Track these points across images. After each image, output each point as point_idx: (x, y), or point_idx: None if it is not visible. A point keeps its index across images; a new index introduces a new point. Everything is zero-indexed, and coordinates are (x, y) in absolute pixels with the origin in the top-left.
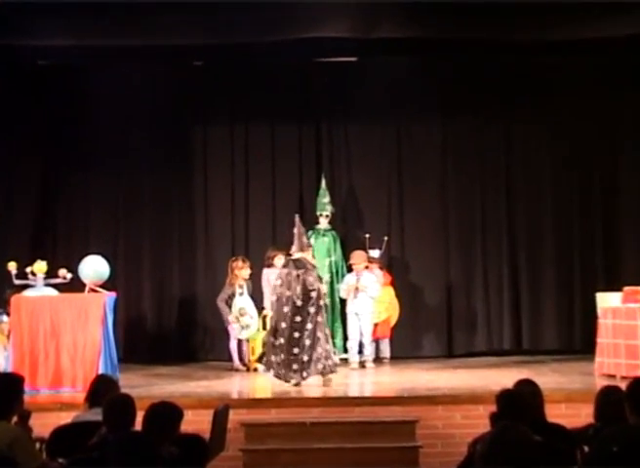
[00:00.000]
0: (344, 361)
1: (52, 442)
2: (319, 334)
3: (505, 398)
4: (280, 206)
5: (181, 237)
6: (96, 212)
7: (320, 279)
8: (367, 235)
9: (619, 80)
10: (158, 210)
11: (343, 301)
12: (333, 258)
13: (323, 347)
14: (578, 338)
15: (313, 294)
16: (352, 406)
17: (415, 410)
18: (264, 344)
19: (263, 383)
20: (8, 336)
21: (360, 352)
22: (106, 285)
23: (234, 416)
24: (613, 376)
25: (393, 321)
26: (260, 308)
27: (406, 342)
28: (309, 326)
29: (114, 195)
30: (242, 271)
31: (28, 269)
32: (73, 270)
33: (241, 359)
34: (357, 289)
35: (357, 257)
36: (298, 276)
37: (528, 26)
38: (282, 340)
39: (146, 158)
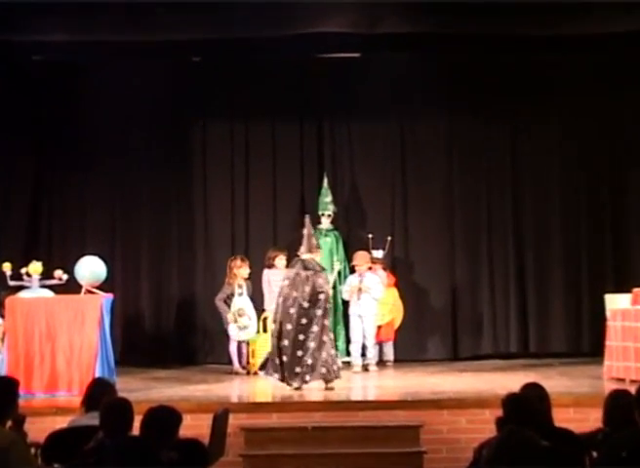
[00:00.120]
0: (347, 364)
1: (47, 447)
2: (325, 338)
3: (512, 402)
4: (281, 206)
5: (180, 237)
6: (92, 211)
7: (328, 282)
8: (370, 235)
9: (621, 78)
10: (156, 209)
11: (346, 303)
12: (342, 265)
13: (328, 352)
14: (586, 341)
15: (321, 297)
16: (355, 410)
17: (419, 415)
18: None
19: (264, 387)
20: (2, 339)
21: (363, 355)
22: (103, 286)
23: (234, 421)
24: (622, 380)
25: (397, 323)
26: (260, 310)
27: (410, 345)
28: (315, 328)
29: (111, 194)
30: (241, 270)
31: (23, 270)
32: (69, 271)
33: (241, 362)
34: (360, 290)
35: (360, 258)
36: (307, 277)
37: (530, 23)
38: (286, 342)
39: (144, 157)
